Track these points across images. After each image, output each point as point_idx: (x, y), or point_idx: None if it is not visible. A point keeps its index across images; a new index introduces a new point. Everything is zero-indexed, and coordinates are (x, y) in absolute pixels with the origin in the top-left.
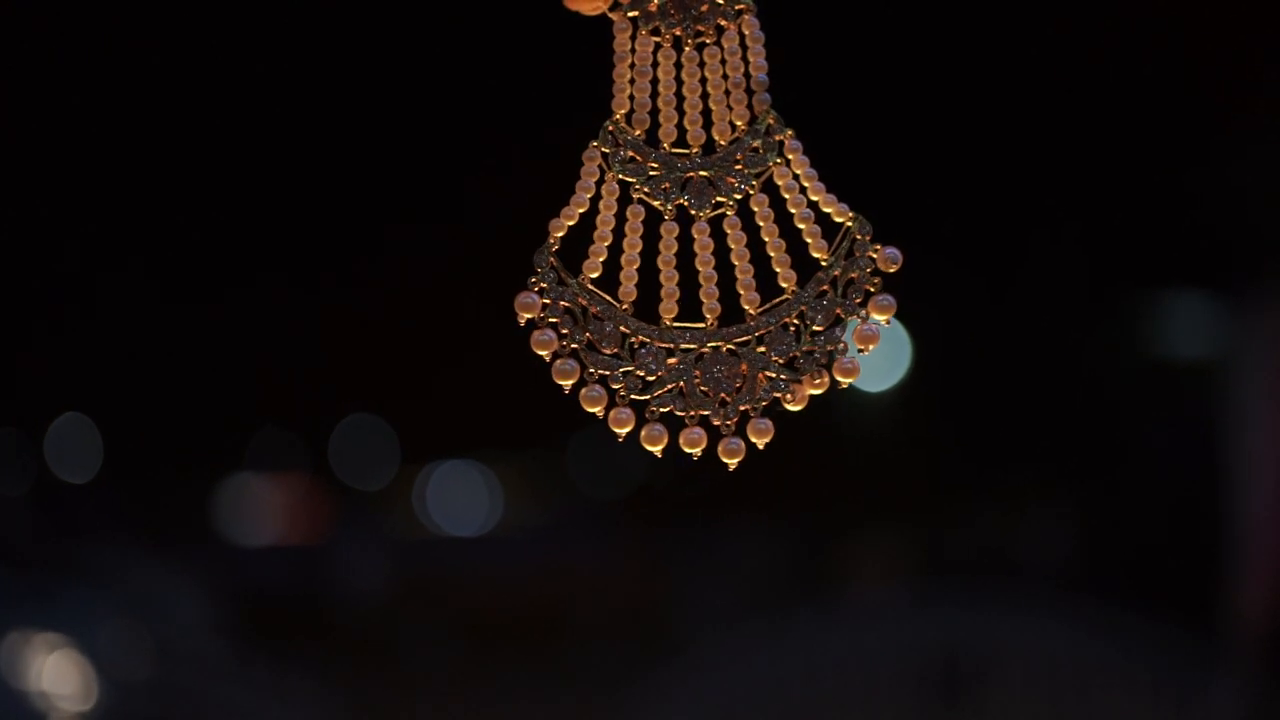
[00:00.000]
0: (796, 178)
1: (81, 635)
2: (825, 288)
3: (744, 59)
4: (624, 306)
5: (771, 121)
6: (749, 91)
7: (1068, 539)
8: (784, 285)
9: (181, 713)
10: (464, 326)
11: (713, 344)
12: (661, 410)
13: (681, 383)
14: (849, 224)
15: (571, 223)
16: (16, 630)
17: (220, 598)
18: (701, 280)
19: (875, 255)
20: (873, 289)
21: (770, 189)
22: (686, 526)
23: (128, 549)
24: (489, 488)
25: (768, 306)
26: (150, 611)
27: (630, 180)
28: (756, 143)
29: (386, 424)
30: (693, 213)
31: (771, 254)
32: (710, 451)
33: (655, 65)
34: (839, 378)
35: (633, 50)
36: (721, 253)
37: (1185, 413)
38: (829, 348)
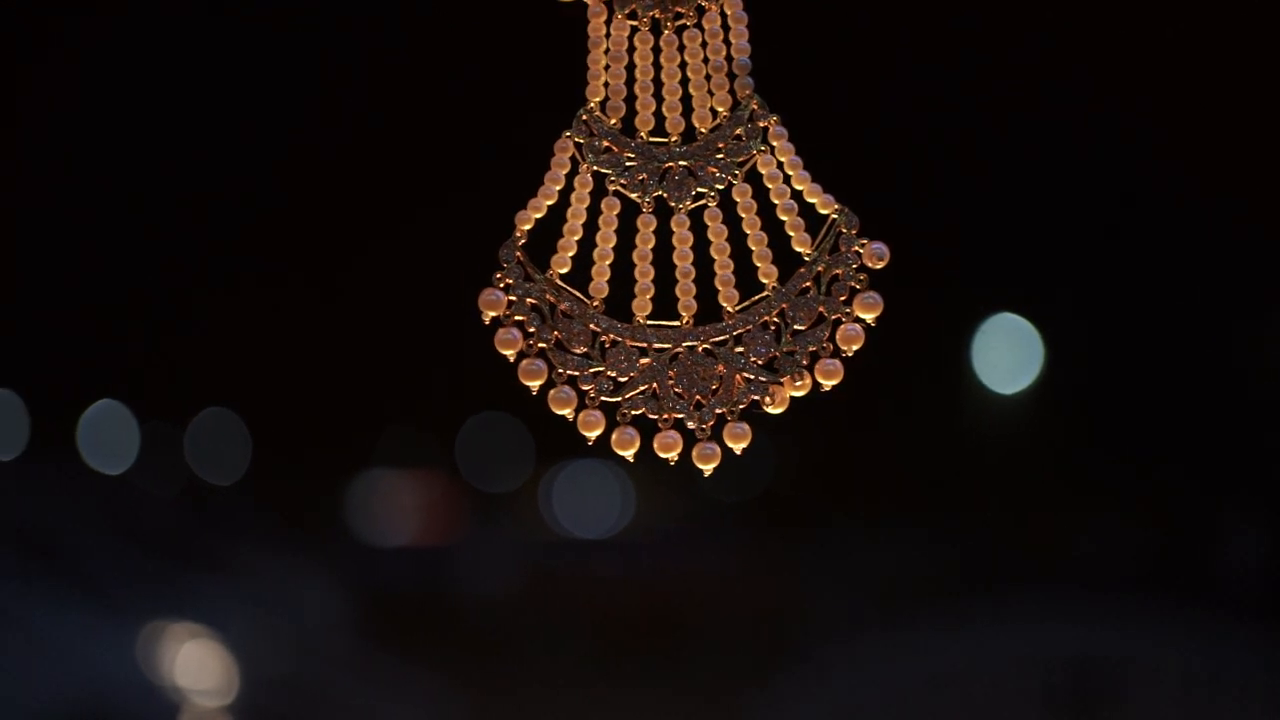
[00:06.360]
0: (780, 166)
1: (218, 630)
2: (808, 284)
3: (725, 41)
4: (595, 303)
5: (755, 107)
6: (731, 75)
7: (1206, 550)
8: (764, 281)
9: (309, 707)
10: None
11: (688, 344)
12: (633, 413)
13: (654, 384)
14: (834, 216)
15: (539, 215)
16: (154, 623)
17: (350, 595)
18: (678, 276)
19: (861, 250)
20: (858, 286)
21: (753, 178)
22: (812, 529)
23: (266, 545)
24: (621, 488)
25: (746, 304)
26: (283, 608)
27: (606, 172)
28: (739, 129)
29: (519, 422)
30: (672, 204)
31: (753, 248)
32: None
33: (631, 50)
34: (821, 380)
35: (608, 35)
36: (700, 246)
37: None
38: (811, 348)
